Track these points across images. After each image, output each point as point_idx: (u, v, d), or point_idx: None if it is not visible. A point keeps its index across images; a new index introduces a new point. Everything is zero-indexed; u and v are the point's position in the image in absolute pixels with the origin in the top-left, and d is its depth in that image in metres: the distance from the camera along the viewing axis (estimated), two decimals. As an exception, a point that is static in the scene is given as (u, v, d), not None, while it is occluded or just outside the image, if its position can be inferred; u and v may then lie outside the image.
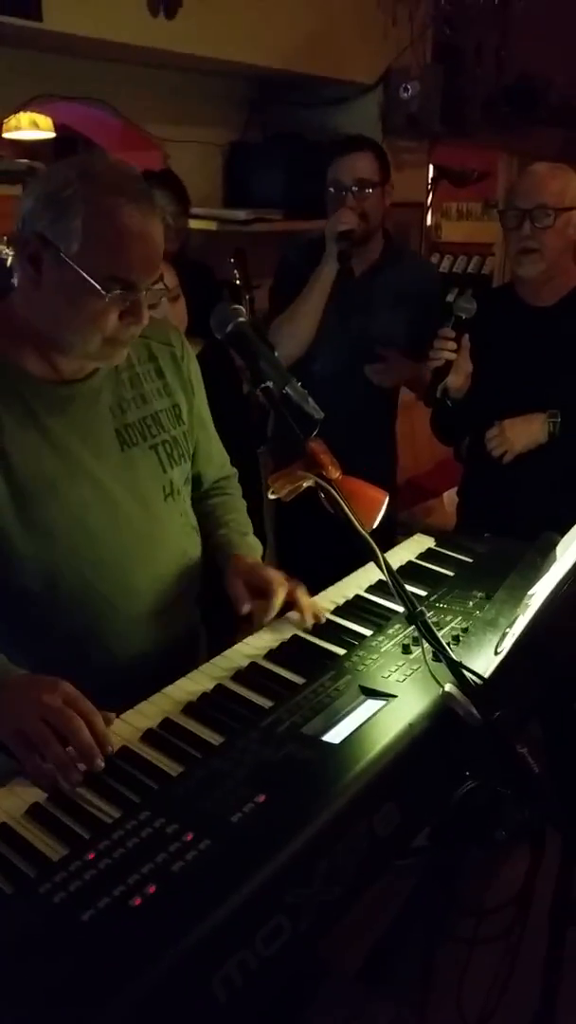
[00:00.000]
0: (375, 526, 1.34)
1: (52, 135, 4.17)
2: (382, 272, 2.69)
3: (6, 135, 4.02)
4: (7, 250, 3.87)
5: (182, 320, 2.13)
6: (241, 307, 1.31)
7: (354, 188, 2.56)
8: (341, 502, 1.24)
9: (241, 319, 1.30)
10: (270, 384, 1.29)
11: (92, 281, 1.25)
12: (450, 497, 3.37)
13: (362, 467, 1.39)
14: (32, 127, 4.23)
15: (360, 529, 1.24)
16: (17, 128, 4.10)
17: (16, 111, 3.15)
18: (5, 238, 3.85)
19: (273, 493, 1.33)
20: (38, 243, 1.28)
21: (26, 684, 1.19)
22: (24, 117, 3.93)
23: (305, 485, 1.30)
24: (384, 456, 2.86)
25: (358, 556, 1.56)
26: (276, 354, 1.30)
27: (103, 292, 1.26)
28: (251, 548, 1.63)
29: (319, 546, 2.46)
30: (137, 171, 1.34)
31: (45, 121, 4.08)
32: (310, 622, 1.48)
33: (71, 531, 1.38)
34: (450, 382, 2.16)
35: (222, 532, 1.65)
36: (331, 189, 2.59)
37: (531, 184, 2.14)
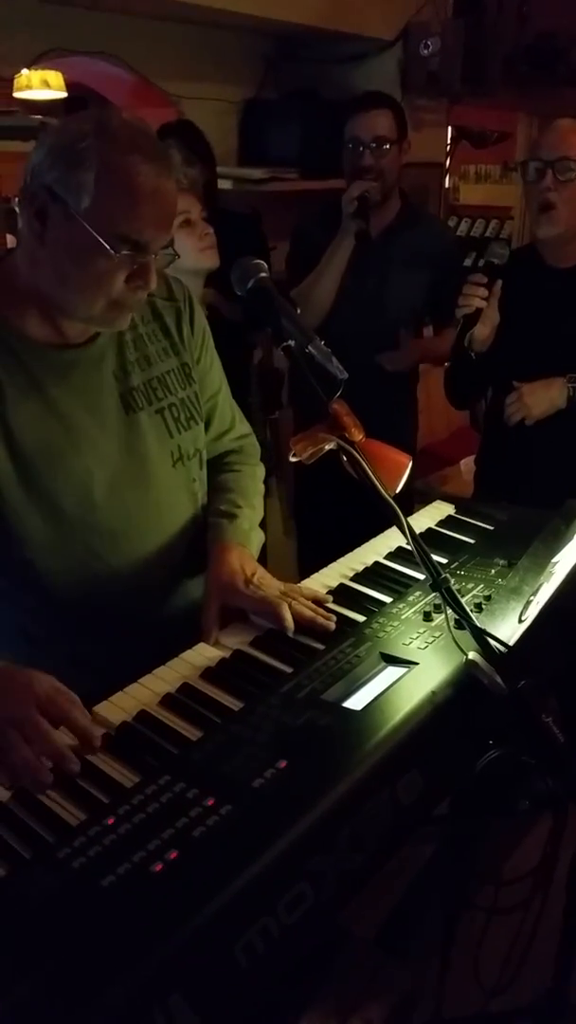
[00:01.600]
0: (398, 490, 1.31)
1: (64, 95, 4.08)
2: (398, 234, 2.65)
3: (17, 95, 3.95)
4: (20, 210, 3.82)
5: (214, 242, 2.12)
6: (263, 262, 1.27)
7: (372, 145, 2.54)
8: (364, 465, 1.21)
9: (263, 274, 1.26)
10: (292, 343, 1.25)
11: (100, 239, 1.20)
12: (467, 465, 3.33)
13: (381, 432, 1.36)
14: (43, 86, 4.13)
15: (384, 493, 1.21)
16: (28, 87, 4.01)
17: (27, 66, 3.07)
18: (16, 199, 3.80)
19: (294, 456, 1.29)
20: (46, 197, 1.22)
21: (8, 673, 1.12)
22: (35, 75, 3.84)
23: (327, 448, 1.27)
24: (404, 421, 2.83)
25: (375, 522, 1.54)
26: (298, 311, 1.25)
27: (111, 251, 1.20)
28: (239, 534, 1.49)
29: (336, 513, 2.44)
30: (153, 129, 1.29)
31: (56, 79, 3.98)
32: (290, 629, 1.32)
33: (76, 501, 1.35)
34: (476, 332, 2.10)
35: (213, 519, 1.53)
36: (349, 145, 2.57)
37: (556, 137, 2.08)
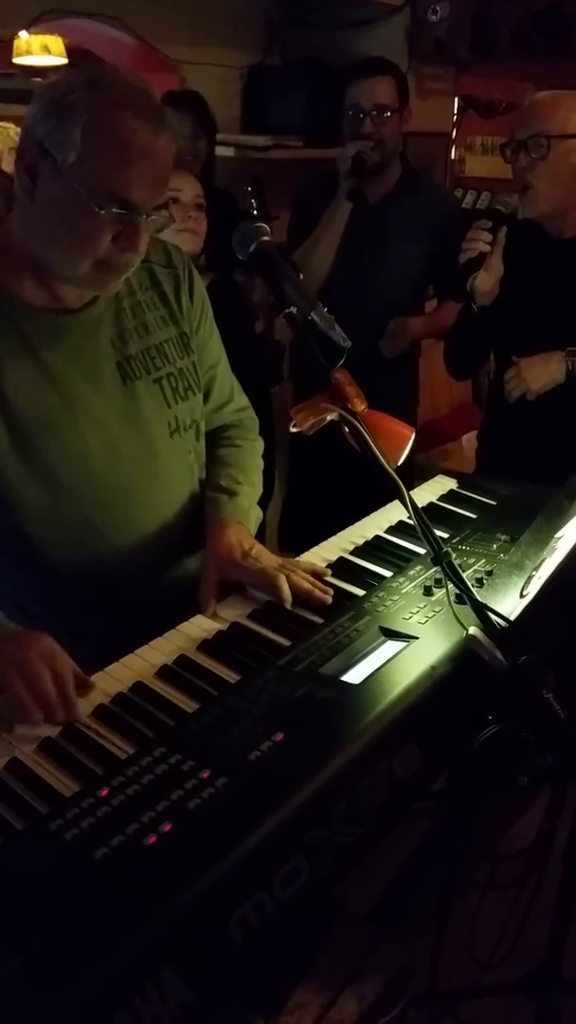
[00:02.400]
0: (400, 462, 1.29)
1: (64, 61, 4.00)
2: (398, 202, 2.62)
3: (16, 60, 3.86)
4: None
5: (200, 230, 2.07)
6: (265, 225, 1.23)
7: (373, 112, 2.50)
8: (367, 436, 1.19)
9: (265, 237, 1.22)
10: (293, 310, 1.22)
11: (86, 196, 1.16)
12: (469, 440, 3.31)
13: (381, 403, 1.33)
14: (43, 52, 4.05)
15: (386, 466, 1.18)
16: (28, 52, 3.93)
17: (26, 27, 3.01)
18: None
19: (295, 426, 1.27)
20: (36, 152, 1.18)
21: (9, 639, 1.16)
22: (35, 40, 3.76)
23: (329, 418, 1.25)
24: (404, 392, 2.80)
25: (374, 497, 1.52)
26: (301, 277, 1.23)
27: (97, 209, 1.16)
28: (237, 511, 1.47)
29: (334, 485, 2.42)
30: (150, 88, 1.23)
31: (57, 45, 3.89)
32: (287, 601, 1.31)
33: (72, 470, 1.32)
34: (480, 283, 2.05)
35: (212, 494, 1.51)
36: (349, 112, 2.53)
37: (529, 112, 2.03)
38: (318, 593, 1.32)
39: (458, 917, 1.32)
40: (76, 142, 1.15)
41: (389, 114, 2.50)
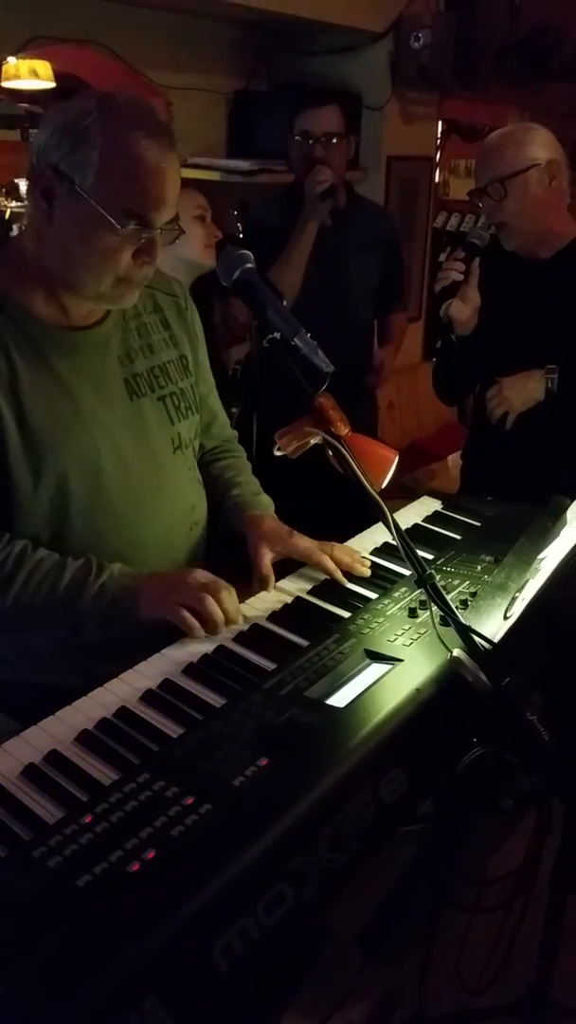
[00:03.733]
0: (384, 485, 1.29)
1: (52, 85, 4.04)
2: (349, 220, 2.71)
3: (4, 84, 3.90)
4: (4, 202, 3.77)
5: (209, 239, 2.15)
6: (249, 253, 1.25)
7: (322, 139, 2.62)
8: (350, 460, 1.20)
9: (249, 265, 1.24)
10: (277, 335, 1.23)
11: (107, 215, 1.21)
12: (454, 460, 3.32)
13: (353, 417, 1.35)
14: (32, 76, 4.08)
15: (370, 488, 1.19)
16: (16, 77, 3.96)
17: (13, 53, 3.03)
18: (4, 189, 3.76)
19: (279, 450, 1.28)
20: (52, 176, 1.23)
21: (163, 577, 1.33)
22: (23, 64, 3.79)
23: (313, 442, 1.26)
24: (366, 408, 2.92)
25: (357, 520, 1.53)
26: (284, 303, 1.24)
27: (118, 226, 1.22)
28: (265, 506, 1.60)
29: (316, 509, 2.43)
30: (154, 107, 1.30)
31: (45, 69, 3.92)
32: (344, 581, 1.45)
33: (82, 478, 1.35)
34: (455, 311, 2.10)
35: (235, 493, 1.61)
36: (297, 138, 2.65)
37: (480, 160, 2.11)
38: (359, 565, 1.45)
39: (446, 941, 1.32)
40: (94, 163, 1.20)
41: (336, 140, 2.63)
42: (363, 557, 1.49)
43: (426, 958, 1.22)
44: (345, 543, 1.62)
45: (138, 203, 1.23)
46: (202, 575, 1.31)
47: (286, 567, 1.49)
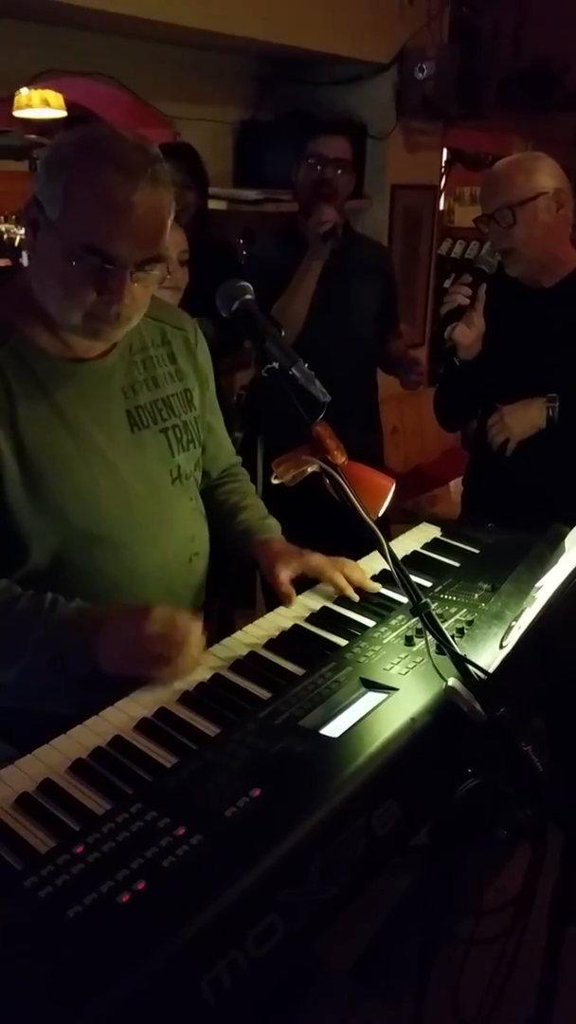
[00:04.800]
0: (381, 513, 1.30)
1: (63, 113, 4.11)
2: (348, 249, 2.74)
3: (16, 113, 3.97)
4: (14, 228, 3.82)
5: (181, 284, 2.11)
6: (248, 284, 1.27)
7: (332, 164, 2.68)
8: (347, 488, 1.21)
9: (248, 296, 1.26)
10: (276, 365, 1.25)
11: (65, 248, 1.20)
12: (456, 486, 3.33)
13: (348, 443, 1.35)
14: (43, 105, 4.16)
15: (365, 517, 1.20)
16: (28, 106, 4.03)
17: (24, 86, 3.09)
18: (13, 216, 3.81)
19: (276, 478, 1.29)
20: (35, 207, 1.24)
21: (120, 620, 1.25)
22: (35, 94, 3.86)
23: (310, 470, 1.27)
24: (371, 433, 2.92)
25: (359, 545, 1.54)
26: (282, 334, 1.25)
27: (72, 261, 1.20)
28: (273, 530, 1.62)
29: (316, 535, 2.45)
30: (149, 145, 1.25)
31: (56, 99, 4.00)
32: (355, 596, 1.49)
33: (80, 509, 1.35)
34: (460, 336, 2.12)
35: (242, 518, 1.62)
36: (309, 161, 2.69)
37: (488, 187, 2.13)
38: (368, 581, 1.49)
39: (443, 973, 1.30)
40: (59, 196, 1.20)
41: (343, 170, 2.70)
42: (309, 632, 1.44)
43: (422, 990, 1.22)
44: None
45: (100, 240, 1.19)
46: (160, 622, 1.23)
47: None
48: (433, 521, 1.88)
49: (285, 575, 1.48)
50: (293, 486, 1.38)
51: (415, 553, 1.70)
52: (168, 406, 1.49)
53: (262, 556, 1.54)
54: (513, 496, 2.19)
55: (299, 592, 1.51)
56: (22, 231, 2.89)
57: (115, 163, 1.19)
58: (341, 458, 1.25)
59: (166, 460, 1.47)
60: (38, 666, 1.26)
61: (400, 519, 2.51)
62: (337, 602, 1.51)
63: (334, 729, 1.12)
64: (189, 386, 1.53)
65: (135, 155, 1.22)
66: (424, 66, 3.59)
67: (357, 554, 1.61)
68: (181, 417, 1.51)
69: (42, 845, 0.96)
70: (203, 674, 1.29)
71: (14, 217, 3.78)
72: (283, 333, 1.21)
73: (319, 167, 2.67)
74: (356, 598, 1.47)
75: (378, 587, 1.50)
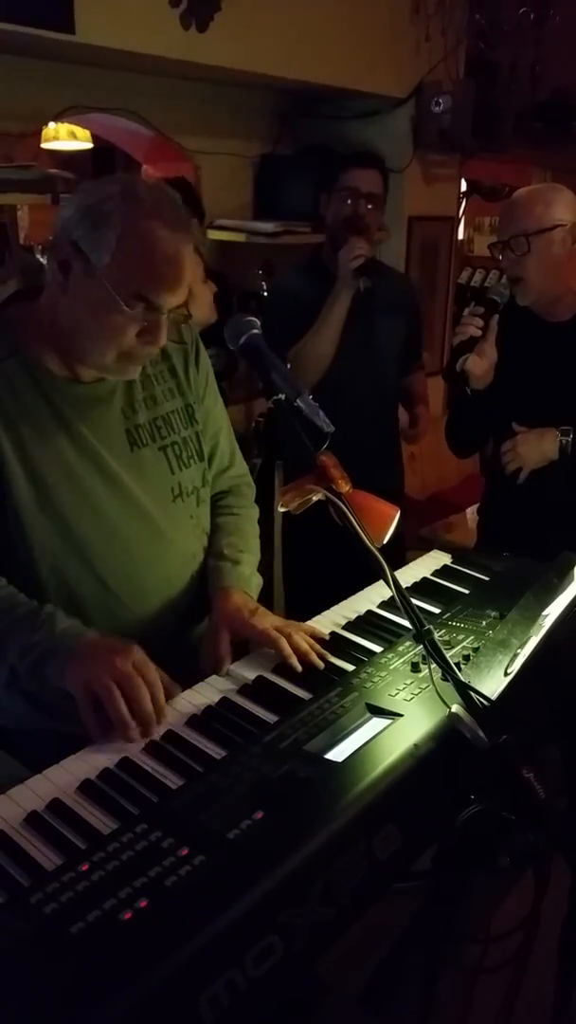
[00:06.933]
0: (385, 541, 1.32)
1: (89, 146, 4.21)
2: (374, 288, 2.73)
3: (45, 145, 4.08)
4: (41, 258, 3.92)
5: (208, 298, 2.18)
6: (255, 319, 1.31)
7: (365, 197, 2.66)
8: (351, 516, 1.23)
9: (255, 331, 1.30)
10: (282, 396, 1.28)
11: (116, 296, 1.27)
12: (472, 513, 3.34)
13: (370, 478, 1.38)
14: (70, 137, 4.28)
15: (369, 544, 1.22)
16: (55, 138, 4.15)
17: (50, 121, 3.18)
18: (40, 246, 3.90)
19: (282, 506, 1.32)
20: (71, 250, 1.30)
21: (101, 645, 1.27)
22: (62, 127, 3.98)
23: (315, 499, 1.29)
24: (392, 468, 2.92)
25: (369, 571, 1.55)
26: (288, 367, 1.29)
27: (126, 308, 1.28)
28: (239, 578, 1.54)
29: (332, 559, 2.47)
30: (177, 197, 1.36)
31: (83, 132, 4.12)
32: (297, 667, 1.38)
33: (85, 521, 1.40)
34: (472, 366, 2.12)
35: (216, 560, 1.58)
36: (342, 192, 2.67)
37: (506, 214, 2.15)
38: (313, 656, 1.39)
39: (450, 1001, 1.30)
40: (111, 246, 1.27)
41: (374, 205, 2.68)
42: (334, 631, 1.47)
43: (425, 1018, 1.21)
44: (353, 596, 1.65)
45: (150, 289, 1.29)
46: (133, 664, 1.23)
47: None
48: (446, 548, 1.90)
49: (224, 639, 1.42)
50: (302, 514, 1.41)
51: (425, 580, 1.72)
52: (168, 423, 1.52)
53: (213, 609, 1.49)
54: (527, 525, 2.20)
55: (307, 619, 1.52)
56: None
57: (162, 219, 1.28)
58: (345, 487, 1.27)
59: (167, 478, 1.51)
60: (22, 671, 1.30)
61: (415, 545, 2.53)
62: (346, 627, 1.53)
63: (338, 754, 1.13)
64: (190, 400, 1.57)
65: (175, 210, 1.32)
66: (440, 100, 3.65)
67: (366, 581, 1.62)
68: (180, 433, 1.54)
69: (49, 863, 0.99)
70: (212, 697, 1.31)
71: (40, 247, 3.88)
72: (310, 366, 1.23)
73: (350, 200, 2.65)
74: (299, 668, 1.36)
75: (320, 664, 1.38)
